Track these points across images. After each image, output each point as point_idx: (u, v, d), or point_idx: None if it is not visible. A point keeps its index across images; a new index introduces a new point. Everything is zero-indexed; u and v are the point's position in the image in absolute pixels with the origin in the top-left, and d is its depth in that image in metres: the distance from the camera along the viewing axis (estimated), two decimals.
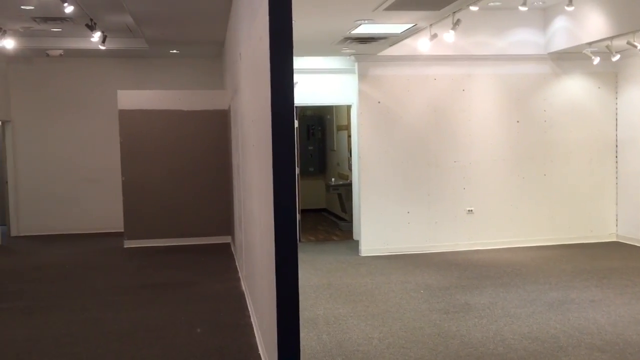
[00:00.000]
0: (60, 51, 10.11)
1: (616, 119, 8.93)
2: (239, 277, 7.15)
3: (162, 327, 5.35)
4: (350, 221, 10.13)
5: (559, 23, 8.16)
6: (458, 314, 5.54)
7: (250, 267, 5.60)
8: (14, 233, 10.88)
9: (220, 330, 5.24)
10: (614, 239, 8.97)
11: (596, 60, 7.87)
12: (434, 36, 6.89)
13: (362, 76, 8.38)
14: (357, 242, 8.86)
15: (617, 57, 7.68)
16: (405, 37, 7.30)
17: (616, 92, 8.91)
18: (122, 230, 9.61)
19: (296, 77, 8.70)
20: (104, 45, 9.08)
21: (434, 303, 5.91)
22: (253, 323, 5.24)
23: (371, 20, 6.19)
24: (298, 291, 3.43)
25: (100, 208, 11.00)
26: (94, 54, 10.36)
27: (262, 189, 4.17)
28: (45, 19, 8.32)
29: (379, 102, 8.41)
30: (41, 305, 6.25)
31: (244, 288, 6.51)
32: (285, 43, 3.39)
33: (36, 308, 6.12)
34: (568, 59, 8.61)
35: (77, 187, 11.02)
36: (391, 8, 5.59)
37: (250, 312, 5.58)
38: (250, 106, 4.87)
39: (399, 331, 5.08)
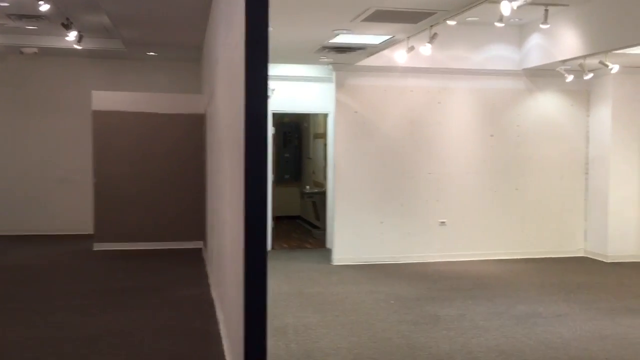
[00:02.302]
0: (35, 49, 9.97)
1: (587, 137, 9.09)
2: (209, 283, 7.09)
3: (129, 333, 5.28)
4: (324, 229, 10.13)
5: (534, 40, 8.29)
6: (427, 325, 5.56)
7: (220, 273, 5.56)
8: None
9: (187, 337, 5.18)
10: (582, 254, 9.11)
11: (569, 78, 8.01)
12: (411, 48, 6.95)
13: (340, 85, 8.42)
14: (329, 251, 8.86)
15: (590, 75, 7.83)
16: (383, 48, 7.35)
17: (588, 110, 9.08)
18: (91, 233, 9.47)
19: (273, 84, 8.76)
20: (79, 45, 8.98)
21: (404, 314, 5.93)
22: (221, 330, 5.20)
23: (349, 31, 6.22)
24: (266, 299, 3.41)
25: (71, 209, 10.83)
26: (69, 53, 10.23)
27: (233, 195, 4.15)
28: (21, 16, 8.20)
29: (355, 112, 8.44)
30: (6, 307, 6.12)
31: (213, 295, 6.46)
32: (260, 51, 3.38)
33: (1, 310, 5.99)
34: (542, 75, 8.75)
35: (47, 187, 10.84)
36: (369, 19, 5.63)
37: (218, 320, 5.54)
38: (225, 112, 4.85)
39: (367, 342, 5.09)
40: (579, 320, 5.78)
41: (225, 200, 4.97)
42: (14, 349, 4.84)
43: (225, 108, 4.82)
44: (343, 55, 7.62)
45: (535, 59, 8.32)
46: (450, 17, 5.81)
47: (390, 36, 6.51)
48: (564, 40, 7.55)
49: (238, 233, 3.75)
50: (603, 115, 8.81)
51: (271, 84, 7.54)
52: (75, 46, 9.00)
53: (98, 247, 9.30)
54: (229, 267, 4.63)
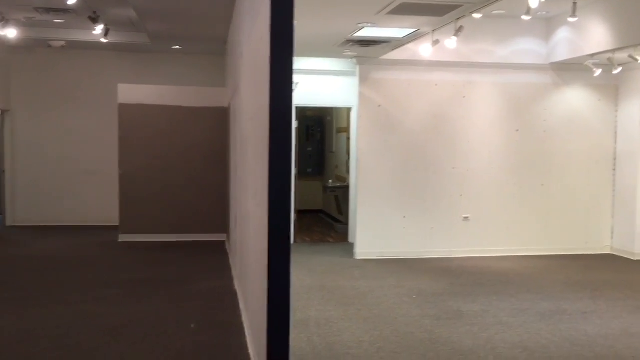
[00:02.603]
0: (63, 42, 10.11)
1: (615, 132, 8.93)
2: (232, 275, 7.14)
3: (153, 323, 5.34)
4: (346, 223, 10.12)
5: (562, 34, 8.16)
6: (450, 320, 5.53)
7: (243, 265, 5.60)
8: (9, 222, 10.87)
9: (211, 328, 5.23)
10: (609, 252, 8.97)
11: (597, 72, 7.87)
12: (436, 42, 6.89)
13: (363, 79, 8.38)
14: (352, 245, 8.85)
15: (619, 70, 7.69)
16: (408, 42, 7.30)
17: (616, 105, 8.92)
18: (117, 224, 9.60)
19: (297, 78, 8.74)
20: (106, 39, 9.08)
21: (427, 309, 5.91)
22: (244, 322, 5.23)
23: (374, 24, 6.18)
24: (290, 292, 3.43)
25: (97, 201, 10.99)
26: (96, 46, 10.35)
27: (257, 188, 4.17)
28: (48, 10, 8.31)
29: (379, 106, 8.40)
30: (34, 296, 6.24)
31: (236, 287, 6.50)
32: (285, 44, 3.39)
33: (29, 299, 6.11)
34: (569, 69, 8.61)
35: (74, 179, 11.01)
36: (394, 12, 5.59)
37: (241, 311, 5.57)
38: (250, 105, 4.87)
39: (390, 336, 5.08)
40: (605, 317, 5.70)
41: (248, 193, 4.99)
42: (42, 337, 4.93)
43: (250, 101, 4.84)
44: (367, 48, 7.59)
45: (562, 53, 8.20)
46: (476, 10, 5.74)
47: (415, 29, 6.46)
48: (593, 34, 7.42)
49: (262, 226, 3.76)
50: (632, 110, 8.65)
51: (295, 78, 7.62)
52: (102, 40, 9.10)
53: (123, 238, 9.42)
54: (252, 260, 4.65)
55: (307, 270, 7.58)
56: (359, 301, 6.16)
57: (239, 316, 5.50)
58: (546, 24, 8.48)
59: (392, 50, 7.78)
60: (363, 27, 6.33)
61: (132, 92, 9.48)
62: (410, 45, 7.72)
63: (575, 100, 8.84)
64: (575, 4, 6.44)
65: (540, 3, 4.89)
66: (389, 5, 5.31)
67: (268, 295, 3.42)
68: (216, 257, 8.42)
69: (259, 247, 4.00)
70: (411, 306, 6.00)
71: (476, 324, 5.42)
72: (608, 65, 7.73)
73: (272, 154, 3.38)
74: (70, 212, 10.98)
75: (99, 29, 8.45)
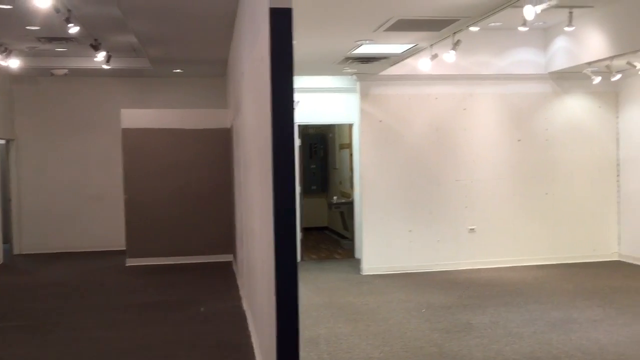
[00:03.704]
0: (65, 70, 10.21)
1: (617, 138, 8.95)
2: (240, 295, 7.14)
3: (163, 347, 5.35)
4: (352, 239, 10.12)
5: (559, 43, 8.22)
6: (460, 333, 5.52)
7: (251, 285, 5.61)
8: (16, 251, 10.90)
9: (220, 350, 5.23)
10: (616, 258, 8.94)
11: (597, 79, 7.91)
12: (435, 56, 6.94)
13: (364, 95, 8.44)
14: (358, 261, 8.85)
15: (618, 76, 7.73)
16: (406, 57, 7.36)
17: (617, 112, 8.94)
18: (124, 249, 9.62)
19: (298, 96, 8.79)
20: (108, 65, 9.17)
21: (436, 322, 5.89)
22: (253, 342, 5.23)
23: (372, 41, 6.25)
24: (298, 310, 3.43)
25: (103, 226, 11.02)
26: (98, 73, 10.45)
27: (263, 208, 4.19)
28: (50, 39, 8.41)
29: (380, 121, 8.45)
30: (43, 323, 6.25)
31: (244, 307, 6.50)
32: (285, 64, 3.44)
33: (38, 326, 6.12)
34: (569, 78, 8.66)
35: (79, 205, 11.05)
36: (391, 29, 5.65)
37: (250, 332, 5.57)
38: (252, 125, 4.91)
39: (400, 351, 5.07)
40: (616, 325, 5.67)
41: (254, 213, 5.02)
42: None
43: (252, 121, 4.88)
44: (366, 65, 7.65)
45: (561, 62, 8.25)
46: (473, 24, 5.80)
47: (413, 45, 6.52)
48: (590, 42, 7.47)
49: (269, 245, 3.78)
50: (633, 116, 8.68)
51: (296, 96, 7.67)
52: (104, 66, 9.19)
53: (130, 262, 9.44)
54: (259, 279, 4.67)
55: (314, 287, 7.57)
56: (367, 317, 6.16)
57: (248, 337, 5.50)
58: (543, 34, 8.54)
59: (391, 65, 7.84)
60: (361, 45, 6.40)
61: (135, 117, 9.56)
62: (409, 60, 7.78)
63: (576, 108, 8.87)
64: (571, 13, 6.48)
65: (536, 14, 4.94)
66: (386, 22, 5.37)
67: (277, 315, 3.43)
68: (223, 277, 8.43)
69: (266, 267, 4.02)
70: (420, 320, 5.99)
71: (486, 336, 5.41)
72: (607, 73, 7.77)
73: (276, 173, 3.41)
74: (77, 239, 11.01)
75: (100, 55, 8.55)
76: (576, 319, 5.89)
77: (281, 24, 3.43)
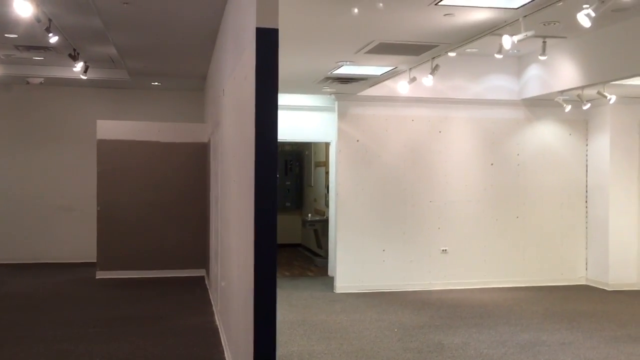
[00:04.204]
0: (41, 79, 10.11)
1: (586, 165, 9.19)
2: (213, 311, 7.11)
3: None
4: (326, 257, 10.16)
5: (533, 71, 8.45)
6: (432, 353, 5.58)
7: (225, 301, 5.60)
8: None
9: None
10: (584, 282, 9.13)
11: (568, 108, 8.14)
12: (413, 79, 7.08)
13: (342, 115, 8.54)
14: (332, 279, 8.88)
15: (588, 105, 7.96)
16: (385, 79, 7.50)
17: (587, 139, 9.20)
18: (94, 261, 9.49)
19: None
20: (85, 75, 9.11)
21: (408, 342, 5.95)
22: (226, 358, 5.21)
23: (352, 62, 6.36)
24: (275, 327, 3.47)
25: (73, 237, 10.86)
26: (74, 83, 10.37)
27: (242, 224, 4.21)
28: (29, 48, 8.34)
29: (357, 141, 8.55)
30: (13, 335, 6.12)
31: (217, 322, 6.47)
32: (270, 83, 3.49)
33: (7, 339, 5.99)
34: (541, 105, 8.89)
35: (49, 215, 10.89)
36: (373, 52, 5.77)
37: (224, 347, 5.55)
38: (233, 141, 4.94)
39: None
40: (583, 348, 5.80)
41: (231, 230, 5.03)
42: None
43: (233, 137, 4.91)
44: (346, 85, 7.77)
45: (533, 90, 8.47)
46: (452, 49, 5.95)
47: (393, 67, 6.65)
48: (562, 71, 7.70)
49: (247, 262, 3.80)
50: (601, 144, 8.93)
51: None
52: (81, 76, 9.13)
53: (101, 275, 9.32)
54: (235, 295, 4.67)
55: (287, 304, 7.57)
56: (340, 335, 6.18)
57: (221, 352, 5.48)
58: (517, 62, 8.77)
59: (370, 86, 7.97)
60: (342, 65, 6.50)
61: (111, 128, 9.50)
62: (387, 82, 7.92)
63: (547, 134, 9.10)
64: (544, 42, 6.69)
65: (513, 44, 5.10)
66: (367, 44, 5.48)
67: (254, 332, 3.45)
68: (196, 292, 8.37)
69: (244, 282, 4.03)
70: (392, 340, 6.03)
71: (457, 357, 5.48)
72: (578, 101, 8.00)
73: (258, 190, 3.45)
74: (46, 249, 10.83)
75: (79, 66, 8.50)
76: (545, 342, 6.00)
77: (267, 44, 3.49)
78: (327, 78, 7.32)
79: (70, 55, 8.22)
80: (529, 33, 4.81)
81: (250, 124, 3.61)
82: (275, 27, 3.47)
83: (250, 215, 3.54)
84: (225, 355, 5.31)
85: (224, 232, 5.88)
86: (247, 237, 3.74)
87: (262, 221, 3.44)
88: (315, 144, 12.14)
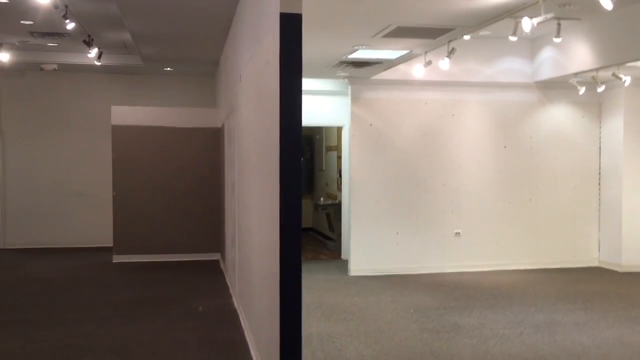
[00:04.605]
0: (55, 65, 10.17)
1: (599, 147, 9.20)
2: (230, 294, 7.21)
3: (156, 343, 5.40)
4: (338, 241, 10.24)
5: (547, 53, 8.43)
6: (448, 334, 5.66)
7: (245, 284, 5.68)
8: (0, 246, 10.81)
9: (214, 346, 5.29)
10: (596, 264, 9.19)
11: (582, 90, 8.13)
12: (429, 63, 7.09)
13: (355, 99, 8.57)
14: (345, 262, 8.96)
15: (602, 88, 7.95)
16: (399, 63, 7.51)
17: (600, 122, 9.19)
18: (110, 245, 9.61)
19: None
20: (99, 61, 9.17)
21: (424, 323, 6.03)
22: (248, 340, 5.31)
23: (368, 46, 6.37)
24: (301, 308, 3.55)
25: (89, 222, 10.99)
26: (88, 69, 10.43)
27: (264, 208, 4.27)
28: (43, 34, 8.39)
29: (370, 125, 8.58)
30: (35, 318, 6.25)
31: (236, 305, 6.57)
32: (294, 68, 3.55)
33: (30, 321, 6.12)
34: (554, 87, 8.88)
35: (66, 201, 11.01)
36: (390, 35, 5.78)
37: (244, 329, 5.65)
38: (252, 126, 4.99)
39: (391, 350, 5.19)
40: (598, 328, 5.87)
41: (252, 213, 5.09)
42: (48, 358, 4.96)
43: (253, 122, 4.96)
44: (359, 69, 7.78)
45: (547, 72, 8.46)
46: (467, 32, 5.95)
47: (408, 51, 6.66)
48: (576, 53, 7.69)
49: (271, 245, 3.87)
50: (615, 126, 8.93)
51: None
52: (95, 62, 9.18)
53: (117, 259, 9.44)
54: (257, 277, 4.75)
55: (303, 287, 7.62)
56: (357, 317, 6.27)
57: (242, 334, 5.57)
58: (531, 44, 8.75)
59: (384, 70, 7.98)
60: (358, 49, 6.51)
61: (125, 114, 9.56)
62: (401, 66, 7.93)
63: (561, 117, 9.10)
64: (559, 24, 6.67)
65: (533, 26, 5.10)
66: (385, 28, 5.50)
67: (280, 312, 3.53)
68: (212, 276, 8.48)
69: (267, 266, 4.10)
70: (409, 321, 6.12)
71: (474, 337, 5.56)
72: (592, 83, 8.00)
73: (283, 173, 3.50)
74: (63, 234, 10.97)
75: (93, 52, 8.55)
76: (560, 322, 6.07)
77: (291, 29, 3.54)
78: (342, 62, 7.34)
79: (84, 42, 8.28)
80: (549, 15, 4.82)
81: (274, 108, 3.66)
82: (299, 12, 3.52)
83: (276, 198, 3.60)
84: (246, 336, 5.41)
85: (242, 216, 5.95)
86: (272, 220, 3.81)
87: (288, 204, 3.50)
88: (327, 128, 12.17)
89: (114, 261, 9.42)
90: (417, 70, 7.49)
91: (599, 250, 9.20)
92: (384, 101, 8.60)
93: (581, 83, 8.07)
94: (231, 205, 7.17)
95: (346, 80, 8.62)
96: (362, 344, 5.33)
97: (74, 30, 7.70)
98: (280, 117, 3.50)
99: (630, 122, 8.77)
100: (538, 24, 4.97)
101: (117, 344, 5.34)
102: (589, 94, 8.55)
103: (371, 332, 5.71)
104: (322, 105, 9.55)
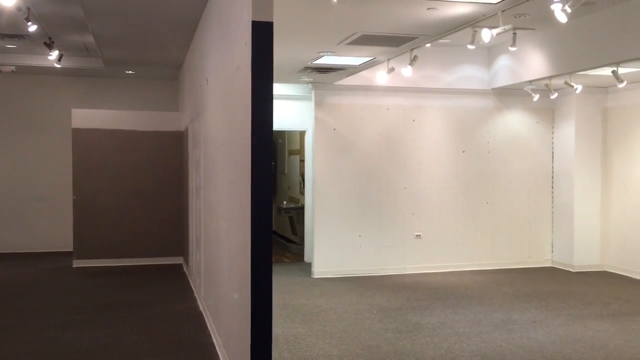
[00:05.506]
0: (13, 67, 9.99)
1: (552, 152, 9.57)
2: (194, 297, 7.23)
3: (125, 346, 5.40)
4: (301, 244, 10.34)
5: (503, 61, 8.74)
6: (411, 333, 5.83)
7: (212, 286, 5.73)
8: None
9: (181, 349, 5.33)
10: (550, 265, 9.54)
11: (536, 97, 8.46)
12: (392, 70, 7.28)
13: (319, 104, 8.70)
14: (308, 265, 9.08)
15: (555, 95, 8.29)
16: (363, 69, 7.68)
17: (553, 127, 9.56)
18: (70, 250, 9.49)
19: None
20: (59, 64, 9.06)
21: (388, 323, 6.19)
22: (214, 341, 5.36)
23: (333, 53, 6.51)
24: (271, 310, 3.64)
25: (48, 227, 10.80)
26: (47, 71, 10.28)
27: (234, 209, 4.35)
28: (3, 36, 8.26)
29: (334, 129, 8.73)
30: None
31: (201, 308, 6.60)
32: (265, 74, 3.63)
33: None
34: (510, 94, 9.21)
35: (24, 205, 10.80)
36: (354, 42, 5.93)
37: (210, 331, 5.70)
38: (221, 130, 5.05)
39: (357, 349, 5.32)
40: (552, 325, 6.13)
41: (219, 217, 5.16)
42: None
43: (221, 126, 5.03)
44: (323, 75, 7.92)
45: (503, 79, 8.77)
46: (430, 41, 6.16)
47: (372, 58, 6.83)
48: (531, 62, 8.00)
49: (241, 248, 3.95)
50: (567, 132, 9.30)
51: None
52: (55, 65, 9.07)
53: (78, 264, 9.33)
54: (226, 279, 4.81)
55: None
56: (322, 318, 6.39)
57: (208, 335, 5.62)
58: (487, 52, 9.05)
59: (347, 76, 8.14)
60: (323, 56, 6.65)
61: (86, 117, 9.46)
62: (364, 72, 8.10)
63: (516, 123, 9.44)
64: (514, 34, 6.94)
65: (492, 37, 5.32)
66: (350, 36, 5.64)
67: (251, 312, 3.61)
68: (175, 279, 8.47)
69: (237, 266, 4.18)
70: (373, 321, 6.27)
71: (436, 335, 5.74)
72: (545, 91, 8.33)
73: (255, 176, 3.59)
74: (21, 239, 10.75)
75: (54, 54, 8.45)
76: (516, 320, 6.32)
77: (262, 36, 3.63)
78: (307, 68, 7.46)
79: (45, 44, 8.18)
80: (507, 27, 5.04)
81: (245, 112, 3.75)
82: (271, 20, 3.61)
83: (247, 199, 3.68)
84: (213, 338, 5.46)
85: (209, 219, 5.99)
86: (243, 221, 3.88)
87: (259, 205, 3.59)
88: (290, 132, 12.27)
89: (74, 266, 9.31)
90: (380, 76, 7.67)
91: (552, 251, 9.56)
92: (347, 106, 8.77)
93: (535, 90, 8.40)
94: (196, 209, 7.20)
95: (310, 85, 8.75)
96: (328, 344, 5.45)
97: (35, 32, 7.61)
98: (252, 122, 3.59)
99: (581, 128, 9.16)
100: (497, 34, 5.19)
101: (84, 348, 5.32)
102: (542, 100, 8.90)
103: (336, 332, 5.84)
104: (285, 109, 9.65)
